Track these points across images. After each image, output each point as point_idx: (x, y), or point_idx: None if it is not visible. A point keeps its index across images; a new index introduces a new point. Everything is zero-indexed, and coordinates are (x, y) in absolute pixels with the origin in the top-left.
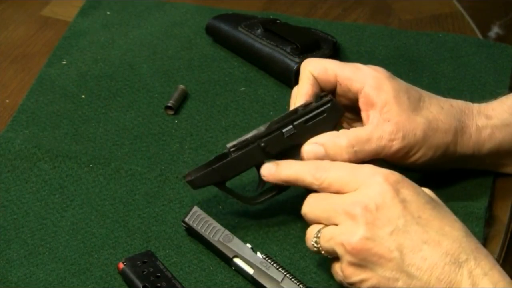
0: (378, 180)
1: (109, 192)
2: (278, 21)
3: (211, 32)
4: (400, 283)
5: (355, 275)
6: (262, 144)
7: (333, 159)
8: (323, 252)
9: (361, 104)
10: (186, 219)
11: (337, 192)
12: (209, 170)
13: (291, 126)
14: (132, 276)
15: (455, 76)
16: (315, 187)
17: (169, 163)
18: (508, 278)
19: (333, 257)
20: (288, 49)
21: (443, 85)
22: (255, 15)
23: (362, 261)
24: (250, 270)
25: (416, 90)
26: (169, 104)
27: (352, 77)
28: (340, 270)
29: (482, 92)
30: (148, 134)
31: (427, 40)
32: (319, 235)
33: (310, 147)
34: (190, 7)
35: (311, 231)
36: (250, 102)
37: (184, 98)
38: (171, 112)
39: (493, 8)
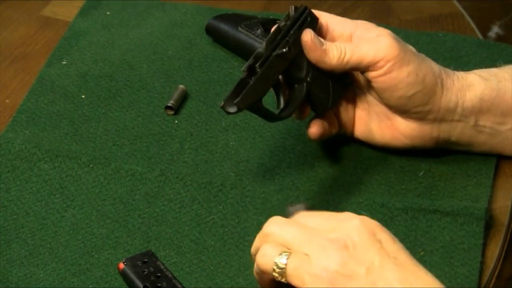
0: (355, 222)
1: (109, 192)
2: (278, 21)
3: (211, 32)
4: None
5: None
6: (279, 52)
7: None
8: (283, 278)
9: None
10: None
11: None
12: (249, 88)
13: (287, 39)
14: (132, 276)
15: None
16: None
17: (169, 163)
18: None
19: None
20: None
21: None
22: (255, 15)
23: None
24: None
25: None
26: (169, 104)
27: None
28: None
29: None
30: (148, 134)
31: (427, 40)
32: (286, 259)
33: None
34: (190, 7)
35: (271, 251)
36: None
37: (184, 98)
38: (171, 112)
39: (493, 8)
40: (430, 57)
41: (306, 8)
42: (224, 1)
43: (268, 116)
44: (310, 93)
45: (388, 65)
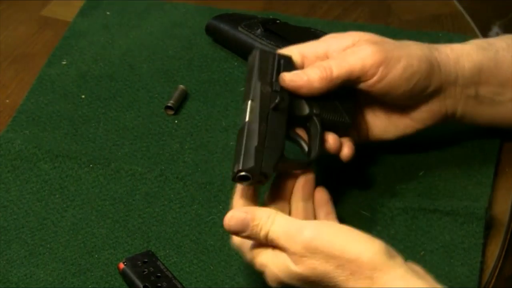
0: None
1: (109, 192)
2: (278, 21)
3: (211, 32)
4: None
5: None
6: (273, 105)
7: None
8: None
9: None
10: None
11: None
12: (265, 152)
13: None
14: (132, 276)
15: None
16: None
17: (169, 163)
18: None
19: None
20: None
21: None
22: (255, 15)
23: None
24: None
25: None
26: (169, 104)
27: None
28: None
29: None
30: (148, 134)
31: (427, 40)
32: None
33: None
34: (190, 7)
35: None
36: None
37: (184, 98)
38: (171, 112)
39: (493, 8)
40: None
41: (274, 54)
42: (224, 1)
43: (300, 165)
44: (324, 122)
45: (381, 69)
